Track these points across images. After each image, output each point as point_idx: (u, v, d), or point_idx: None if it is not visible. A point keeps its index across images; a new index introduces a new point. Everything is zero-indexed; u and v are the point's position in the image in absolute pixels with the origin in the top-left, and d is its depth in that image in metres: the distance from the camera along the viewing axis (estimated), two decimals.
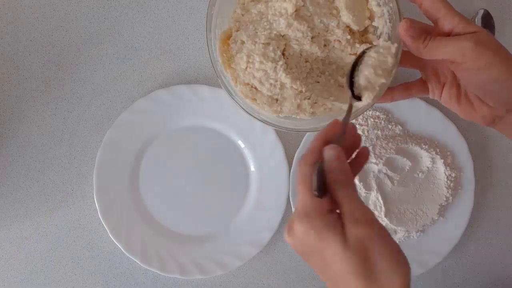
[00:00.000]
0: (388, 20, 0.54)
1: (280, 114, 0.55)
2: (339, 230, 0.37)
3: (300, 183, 0.39)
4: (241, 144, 0.66)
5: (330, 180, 0.39)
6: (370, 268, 0.35)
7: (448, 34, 0.45)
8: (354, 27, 0.55)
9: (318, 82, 0.56)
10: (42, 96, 0.65)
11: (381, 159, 0.64)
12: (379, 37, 0.56)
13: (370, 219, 0.37)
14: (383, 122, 0.65)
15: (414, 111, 0.66)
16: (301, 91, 0.54)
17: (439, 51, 0.45)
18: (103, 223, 0.63)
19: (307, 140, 0.65)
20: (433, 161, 0.65)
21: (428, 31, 0.46)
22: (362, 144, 0.64)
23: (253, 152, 0.66)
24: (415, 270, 0.66)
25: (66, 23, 0.64)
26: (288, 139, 0.66)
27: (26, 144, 0.65)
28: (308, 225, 0.37)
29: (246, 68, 0.54)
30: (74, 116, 0.65)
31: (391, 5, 0.53)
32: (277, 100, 0.54)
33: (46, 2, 0.64)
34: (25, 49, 0.64)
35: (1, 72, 0.64)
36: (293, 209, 0.65)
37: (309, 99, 0.55)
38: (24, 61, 0.64)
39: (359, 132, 0.65)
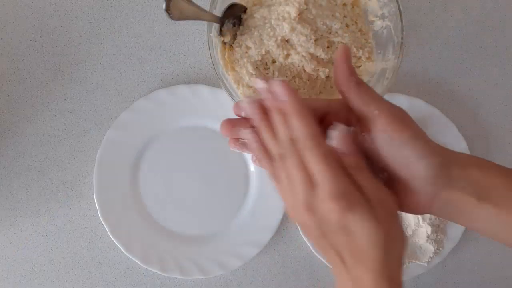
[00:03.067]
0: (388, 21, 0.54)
1: None
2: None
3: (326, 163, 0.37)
4: None
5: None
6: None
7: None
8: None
9: (321, 92, 0.56)
10: (42, 96, 0.65)
11: None
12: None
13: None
14: None
15: (414, 111, 0.66)
16: None
17: (368, 95, 0.39)
18: (103, 223, 0.63)
19: None
20: None
21: None
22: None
23: None
24: (415, 269, 0.66)
25: (66, 23, 0.64)
26: None
27: (26, 144, 0.65)
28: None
29: (252, 75, 0.54)
30: (74, 116, 0.65)
31: (391, 5, 0.53)
32: None
33: (46, 2, 0.64)
34: (25, 49, 0.64)
35: (1, 72, 0.64)
36: None
37: None
38: (24, 61, 0.64)
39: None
